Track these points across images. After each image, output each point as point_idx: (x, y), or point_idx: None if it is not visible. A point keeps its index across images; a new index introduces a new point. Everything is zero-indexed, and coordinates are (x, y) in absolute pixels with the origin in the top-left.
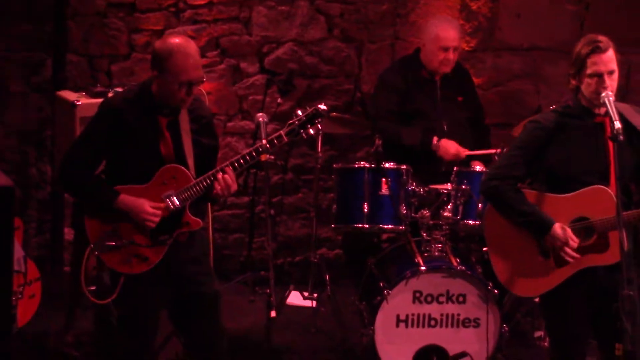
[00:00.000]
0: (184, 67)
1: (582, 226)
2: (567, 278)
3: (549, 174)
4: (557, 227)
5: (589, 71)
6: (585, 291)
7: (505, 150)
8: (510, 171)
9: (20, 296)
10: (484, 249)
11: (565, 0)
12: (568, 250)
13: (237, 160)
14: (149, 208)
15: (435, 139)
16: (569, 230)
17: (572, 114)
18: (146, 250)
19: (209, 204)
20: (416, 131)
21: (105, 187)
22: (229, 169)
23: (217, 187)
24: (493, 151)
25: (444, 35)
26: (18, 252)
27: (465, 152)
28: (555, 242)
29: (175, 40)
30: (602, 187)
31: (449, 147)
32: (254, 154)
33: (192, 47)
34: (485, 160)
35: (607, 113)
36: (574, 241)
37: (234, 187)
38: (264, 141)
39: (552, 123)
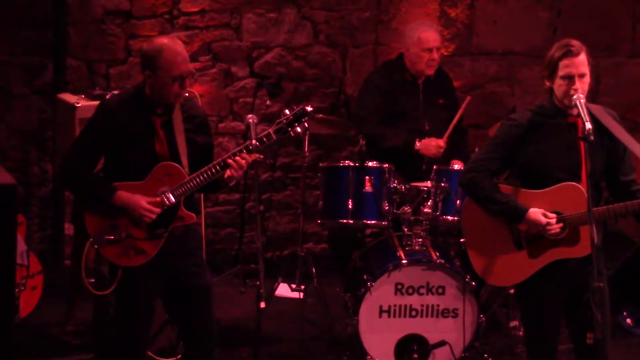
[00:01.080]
0: (174, 62)
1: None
2: (540, 269)
3: (523, 170)
4: (533, 212)
5: (560, 73)
6: (558, 282)
7: (482, 146)
8: (487, 164)
9: (23, 288)
10: (462, 240)
11: (538, 7)
12: (550, 228)
13: (226, 158)
14: (145, 204)
15: (417, 141)
16: (545, 212)
17: (546, 113)
18: (143, 243)
19: (202, 201)
20: (400, 133)
21: (104, 184)
22: (244, 154)
23: (229, 171)
24: (460, 111)
25: (426, 37)
26: (21, 246)
27: (442, 141)
28: (535, 226)
29: (162, 39)
30: (574, 184)
31: (430, 143)
32: (243, 151)
33: (178, 43)
34: (463, 157)
35: (579, 114)
36: (552, 218)
37: (242, 171)
38: (253, 141)
39: (527, 121)
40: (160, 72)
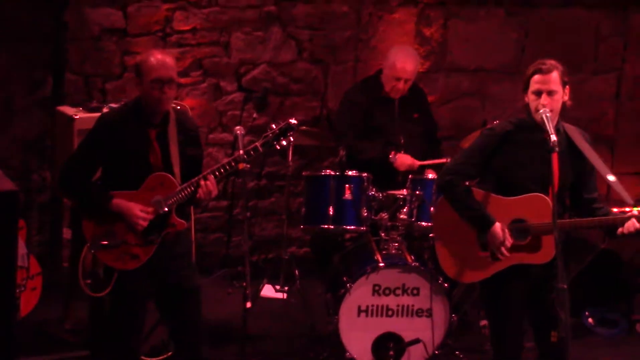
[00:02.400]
0: (152, 66)
1: (519, 227)
2: (503, 271)
3: (496, 177)
4: (498, 227)
5: (531, 89)
6: (521, 284)
7: (461, 152)
8: (464, 169)
9: (23, 288)
10: (431, 235)
11: (507, 28)
12: (502, 249)
13: (218, 169)
14: (139, 212)
15: (392, 153)
16: (507, 231)
17: (525, 126)
18: (137, 248)
19: (192, 207)
20: (376, 146)
21: (100, 192)
22: (211, 177)
23: (200, 192)
24: (443, 160)
25: (402, 67)
26: (22, 249)
27: (418, 163)
28: (493, 240)
29: (152, 50)
30: (541, 195)
31: (405, 160)
32: (232, 163)
33: (164, 53)
34: (436, 168)
35: (555, 129)
36: (509, 242)
37: (215, 192)
38: (241, 152)
39: (505, 132)
40: (142, 77)
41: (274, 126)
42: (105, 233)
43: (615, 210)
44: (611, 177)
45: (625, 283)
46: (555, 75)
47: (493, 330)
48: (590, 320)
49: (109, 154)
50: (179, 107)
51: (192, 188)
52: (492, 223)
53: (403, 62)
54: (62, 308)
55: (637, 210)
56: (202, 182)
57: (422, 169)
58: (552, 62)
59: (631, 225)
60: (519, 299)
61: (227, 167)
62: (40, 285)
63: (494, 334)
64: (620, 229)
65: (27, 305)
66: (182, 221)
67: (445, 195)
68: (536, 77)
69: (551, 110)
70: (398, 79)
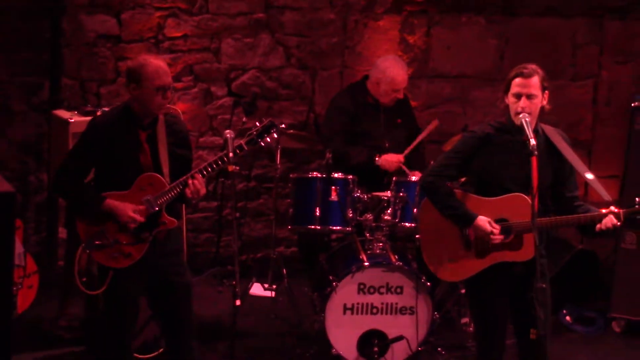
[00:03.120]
0: (157, 74)
1: (501, 227)
2: (487, 270)
3: (478, 178)
4: (481, 220)
5: (512, 91)
6: (504, 283)
7: (443, 154)
8: (445, 170)
9: (20, 286)
10: (417, 236)
11: (488, 35)
12: (494, 237)
13: (205, 168)
14: (130, 211)
15: (377, 156)
16: (489, 220)
17: (504, 129)
18: (129, 247)
19: (184, 207)
20: (362, 151)
21: (93, 193)
22: (198, 176)
23: (188, 191)
24: (423, 135)
25: (400, 79)
26: (19, 248)
27: (402, 156)
28: (480, 232)
29: (145, 56)
30: (521, 195)
31: (390, 158)
32: (219, 162)
33: (160, 59)
34: (420, 169)
35: (534, 131)
36: (497, 229)
37: (203, 191)
38: (230, 154)
39: (486, 135)
40: (145, 83)
41: (257, 124)
42: (98, 233)
43: (601, 211)
44: (589, 176)
45: (602, 282)
46: (535, 79)
47: (477, 326)
48: (568, 318)
49: (101, 156)
50: (170, 110)
51: (181, 187)
52: (475, 217)
53: (400, 74)
54: (58, 305)
55: (614, 207)
56: (190, 181)
57: (409, 157)
58: (534, 66)
59: (609, 221)
60: (503, 297)
61: (214, 166)
62: (37, 283)
63: (478, 330)
64: (598, 225)
65: (24, 303)
66: (173, 219)
67: (427, 196)
68: (517, 80)
69: (529, 114)
70: (396, 91)
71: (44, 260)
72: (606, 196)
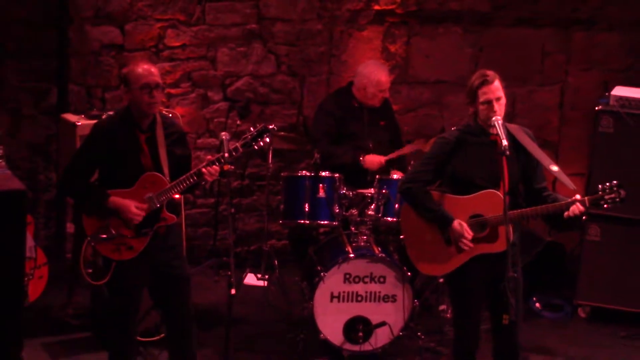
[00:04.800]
0: (140, 74)
1: (477, 221)
2: (465, 262)
3: (452, 179)
4: (456, 223)
5: (481, 99)
6: (481, 273)
7: (418, 160)
8: (421, 176)
9: (31, 277)
10: (401, 237)
11: (464, 44)
12: (464, 240)
13: (205, 166)
14: (134, 207)
15: (361, 156)
16: (465, 225)
17: (471, 132)
18: (132, 240)
19: (182, 204)
20: (347, 151)
21: (98, 191)
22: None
23: (205, 174)
24: (409, 148)
25: (384, 80)
26: (30, 242)
27: (385, 158)
28: (454, 235)
29: (135, 62)
30: (494, 191)
31: (373, 159)
32: (216, 162)
33: (146, 63)
34: (401, 166)
35: (498, 133)
36: (469, 234)
37: (216, 175)
38: (226, 154)
39: (455, 139)
40: (131, 85)
41: (252, 129)
42: (103, 228)
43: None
44: (554, 168)
45: (569, 272)
46: (497, 83)
47: (455, 313)
48: (537, 305)
49: (104, 157)
50: (170, 115)
51: (183, 185)
52: (451, 221)
53: (384, 76)
54: (66, 294)
55: (579, 196)
56: (204, 170)
57: (391, 162)
58: (491, 71)
59: (576, 208)
60: (478, 286)
61: (217, 163)
62: (47, 274)
63: (456, 316)
64: (566, 213)
65: (35, 292)
66: (172, 215)
67: (406, 201)
68: (483, 88)
69: (500, 116)
70: (382, 91)
71: (53, 253)
72: (571, 185)
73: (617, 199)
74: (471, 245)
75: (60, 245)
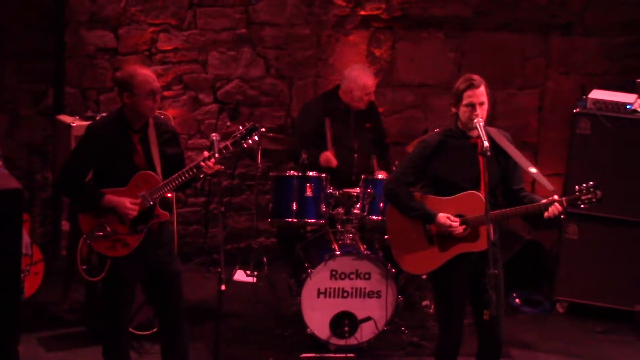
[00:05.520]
0: (146, 80)
1: (459, 222)
2: (448, 260)
3: (434, 181)
4: (441, 217)
5: (464, 102)
6: (463, 271)
7: (401, 162)
8: (404, 178)
9: (27, 273)
10: (385, 237)
11: (446, 49)
12: (454, 228)
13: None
14: (128, 204)
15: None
16: (449, 215)
17: (452, 135)
18: (127, 237)
19: (174, 203)
20: (316, 153)
21: (93, 190)
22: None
23: (204, 166)
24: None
25: (370, 84)
26: (26, 239)
27: (335, 162)
28: (442, 228)
29: (131, 67)
30: (475, 192)
31: (324, 157)
32: (213, 157)
33: (145, 68)
34: (386, 170)
35: (478, 135)
36: (456, 222)
37: (214, 168)
38: (216, 155)
39: (436, 142)
40: (137, 90)
41: (241, 127)
42: (98, 226)
43: (542, 200)
44: (533, 170)
45: (547, 268)
46: (482, 88)
47: (439, 309)
48: (517, 300)
49: (98, 158)
50: (162, 116)
51: (176, 183)
52: (435, 215)
53: (369, 80)
54: (61, 290)
55: (556, 196)
56: (203, 164)
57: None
58: (477, 76)
59: (554, 209)
60: (462, 284)
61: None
62: (42, 271)
63: (440, 312)
64: (546, 214)
65: (31, 288)
66: (165, 212)
67: (391, 202)
68: (469, 92)
69: (482, 119)
70: (368, 94)
71: (49, 250)
72: (549, 186)
73: (594, 199)
74: (461, 229)
75: (56, 243)
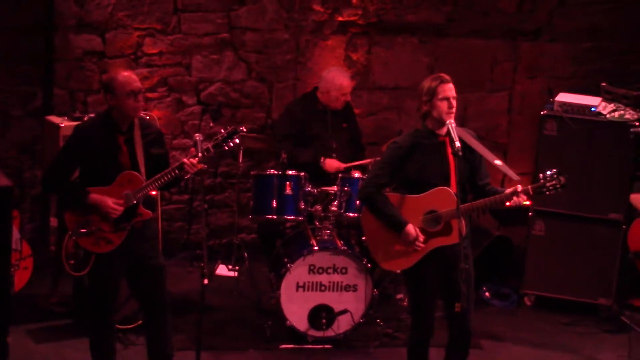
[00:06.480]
0: (126, 81)
1: (432, 217)
2: (422, 257)
3: (407, 180)
4: (409, 228)
5: (440, 96)
6: (435, 264)
7: (375, 162)
8: (378, 180)
9: (17, 268)
10: (363, 238)
11: (420, 53)
12: (417, 243)
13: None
14: (111, 203)
15: (322, 158)
16: (417, 229)
17: (421, 135)
18: (110, 235)
19: (158, 201)
20: (308, 152)
21: (79, 189)
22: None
23: (187, 164)
24: (365, 161)
25: (346, 85)
26: (15, 235)
27: (344, 165)
28: (407, 238)
29: (115, 70)
30: (445, 188)
31: (332, 163)
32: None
33: (127, 70)
34: (360, 169)
35: (447, 134)
36: (421, 237)
37: (196, 168)
38: (199, 154)
39: (407, 143)
40: (117, 91)
41: (222, 131)
42: (83, 222)
43: (507, 190)
44: (498, 162)
45: (516, 263)
46: (452, 84)
47: (412, 302)
48: (487, 294)
49: (85, 157)
50: (147, 117)
51: (160, 182)
52: (405, 225)
53: (345, 80)
54: (50, 284)
55: (520, 187)
56: (187, 161)
57: (348, 169)
58: (445, 74)
59: (520, 199)
60: (434, 278)
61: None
62: (31, 265)
63: (412, 305)
64: (509, 202)
65: (20, 282)
66: (148, 211)
67: (366, 206)
68: (442, 86)
69: (452, 118)
70: (344, 94)
71: (38, 246)
72: (514, 176)
73: (558, 185)
74: (423, 246)
75: (45, 238)
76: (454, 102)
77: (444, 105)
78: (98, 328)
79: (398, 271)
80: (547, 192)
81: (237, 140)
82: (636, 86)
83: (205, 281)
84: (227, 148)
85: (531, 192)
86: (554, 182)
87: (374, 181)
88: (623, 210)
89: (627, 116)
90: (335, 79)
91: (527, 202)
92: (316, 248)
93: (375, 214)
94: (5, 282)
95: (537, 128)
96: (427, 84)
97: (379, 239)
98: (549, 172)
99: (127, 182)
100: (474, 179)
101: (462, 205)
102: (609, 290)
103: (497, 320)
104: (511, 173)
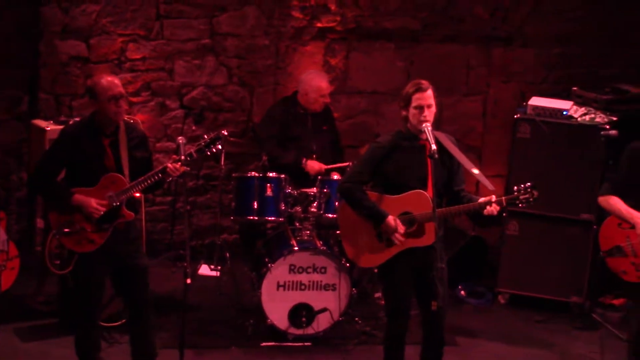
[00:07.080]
0: (107, 86)
1: (406, 218)
2: (395, 255)
3: (385, 180)
4: (390, 219)
5: (413, 104)
6: (408, 265)
7: (355, 162)
8: (358, 177)
9: (4, 268)
10: (337, 232)
11: (396, 58)
12: (397, 235)
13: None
14: (94, 204)
15: (303, 160)
16: (398, 221)
17: (403, 137)
18: (93, 235)
19: (142, 202)
20: (291, 154)
21: (63, 189)
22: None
23: (170, 168)
24: (345, 164)
25: (325, 86)
26: (2, 236)
27: (325, 167)
28: (387, 229)
29: (99, 75)
30: (421, 191)
31: (314, 165)
32: (179, 161)
33: (110, 75)
34: (340, 171)
35: (427, 138)
36: (401, 228)
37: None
38: (182, 157)
39: (388, 143)
40: (100, 96)
41: (205, 136)
42: (67, 222)
43: (481, 199)
44: (475, 171)
45: (490, 262)
46: (430, 92)
47: (387, 301)
48: (462, 292)
49: (70, 159)
50: (132, 121)
51: (144, 185)
52: (386, 216)
53: (323, 82)
54: (36, 284)
55: (495, 197)
56: (171, 166)
57: (329, 171)
58: (425, 81)
59: (493, 208)
60: (407, 277)
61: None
62: (18, 266)
63: (387, 304)
64: (485, 211)
65: (7, 282)
66: (131, 213)
67: (345, 199)
68: (417, 94)
69: (429, 122)
70: (323, 96)
71: (24, 246)
72: (490, 186)
73: (531, 199)
74: (403, 239)
75: (31, 239)
76: (429, 110)
77: (416, 114)
78: (83, 326)
79: (374, 269)
80: (520, 205)
81: (220, 146)
82: (606, 90)
83: (188, 281)
84: (209, 153)
85: (504, 204)
86: (527, 196)
87: (354, 177)
88: (594, 211)
89: (597, 119)
90: (313, 81)
91: (504, 213)
92: (296, 248)
93: (355, 207)
94: None
95: (511, 131)
96: (406, 88)
97: (353, 235)
98: (523, 185)
99: (110, 183)
100: (450, 183)
101: (437, 210)
102: (581, 289)
103: (472, 318)
104: (487, 183)
